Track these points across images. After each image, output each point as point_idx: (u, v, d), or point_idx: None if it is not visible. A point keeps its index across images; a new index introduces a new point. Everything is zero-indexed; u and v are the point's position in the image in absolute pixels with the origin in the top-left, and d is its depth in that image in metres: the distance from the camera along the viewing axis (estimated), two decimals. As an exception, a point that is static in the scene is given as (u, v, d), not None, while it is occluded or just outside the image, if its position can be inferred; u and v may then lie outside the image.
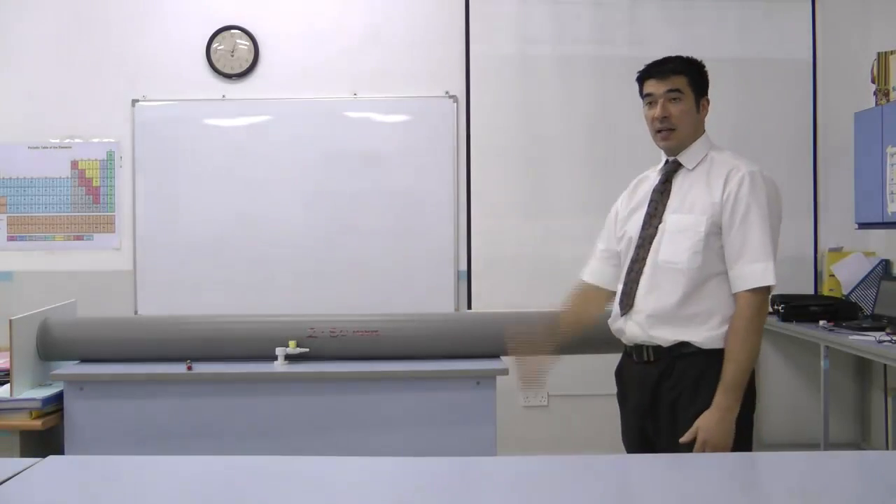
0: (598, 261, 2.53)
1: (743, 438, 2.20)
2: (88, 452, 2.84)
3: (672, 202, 2.32)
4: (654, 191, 2.37)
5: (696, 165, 2.33)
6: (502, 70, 4.65)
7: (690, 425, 2.18)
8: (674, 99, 2.30)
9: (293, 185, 4.60)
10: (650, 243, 2.31)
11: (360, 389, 2.99)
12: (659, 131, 2.33)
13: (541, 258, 4.60)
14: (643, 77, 2.37)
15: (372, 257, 4.58)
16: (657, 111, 2.30)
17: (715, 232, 2.24)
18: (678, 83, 2.30)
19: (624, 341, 2.39)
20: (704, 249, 2.23)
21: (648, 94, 2.34)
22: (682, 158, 2.35)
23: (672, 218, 2.29)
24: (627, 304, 2.33)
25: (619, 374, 2.46)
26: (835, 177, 4.56)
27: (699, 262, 2.23)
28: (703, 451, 2.13)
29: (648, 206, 2.36)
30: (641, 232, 2.34)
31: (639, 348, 2.32)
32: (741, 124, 4.62)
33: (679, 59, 2.36)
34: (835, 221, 4.62)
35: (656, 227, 2.32)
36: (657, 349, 2.28)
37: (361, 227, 4.60)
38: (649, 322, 2.27)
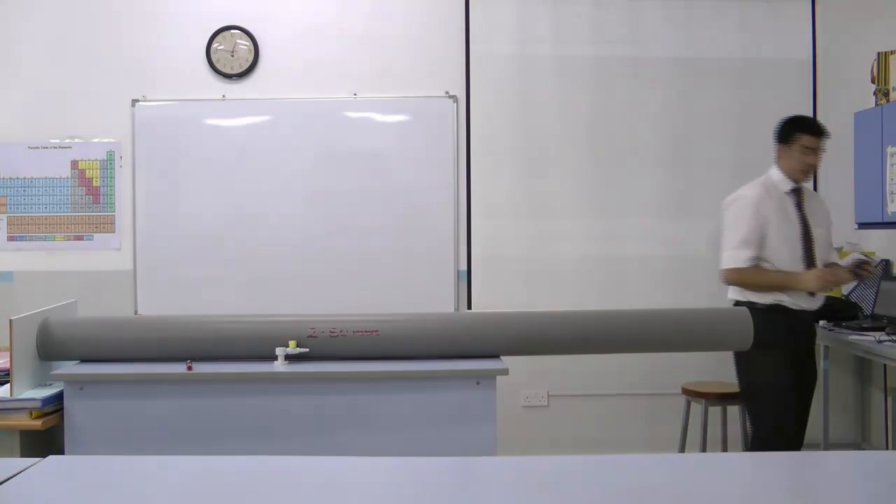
0: None
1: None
2: (88, 452, 2.84)
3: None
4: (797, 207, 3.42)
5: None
6: (502, 70, 4.65)
7: None
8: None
9: (293, 185, 4.60)
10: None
11: (360, 389, 2.99)
12: (807, 172, 3.45)
13: (541, 258, 4.61)
14: (811, 132, 3.40)
15: (372, 257, 4.58)
16: (817, 161, 3.46)
17: None
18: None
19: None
20: None
21: (810, 148, 3.40)
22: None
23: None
24: None
25: None
26: (834, 177, 4.55)
27: None
28: None
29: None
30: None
31: None
32: (741, 124, 4.62)
33: None
34: (834, 221, 4.60)
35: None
36: None
37: (361, 226, 4.60)
38: None
